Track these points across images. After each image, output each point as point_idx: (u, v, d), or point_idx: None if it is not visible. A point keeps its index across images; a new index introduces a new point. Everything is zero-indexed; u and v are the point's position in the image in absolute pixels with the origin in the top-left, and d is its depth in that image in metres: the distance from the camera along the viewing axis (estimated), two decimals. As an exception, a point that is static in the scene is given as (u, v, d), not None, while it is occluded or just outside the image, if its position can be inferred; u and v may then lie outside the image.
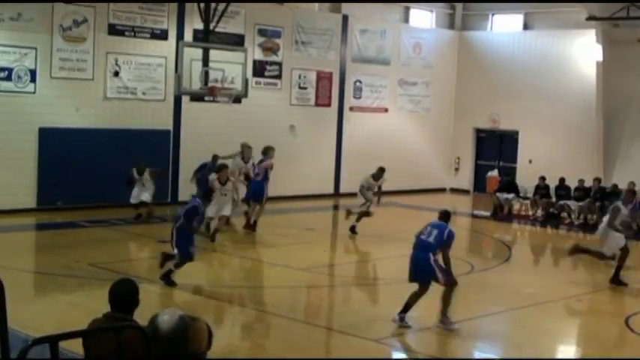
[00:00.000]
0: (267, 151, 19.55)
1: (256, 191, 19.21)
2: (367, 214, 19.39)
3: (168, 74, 22.33)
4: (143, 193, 19.60)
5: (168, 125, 22.93)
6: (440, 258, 11.52)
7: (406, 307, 11.57)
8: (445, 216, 12.03)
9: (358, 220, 19.34)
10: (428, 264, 11.39)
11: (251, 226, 18.88)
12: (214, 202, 16.72)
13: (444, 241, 11.50)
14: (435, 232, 11.55)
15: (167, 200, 22.56)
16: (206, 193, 14.83)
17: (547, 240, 22.60)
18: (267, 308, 12.88)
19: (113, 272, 13.37)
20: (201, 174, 21.43)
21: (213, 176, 17.83)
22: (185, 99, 22.84)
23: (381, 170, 20.03)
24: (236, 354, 10.39)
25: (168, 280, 13.25)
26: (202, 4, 21.72)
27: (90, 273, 13.92)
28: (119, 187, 19.70)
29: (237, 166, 20.09)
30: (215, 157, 21.65)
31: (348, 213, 19.51)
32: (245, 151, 20.26)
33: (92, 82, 21.36)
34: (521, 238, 21.51)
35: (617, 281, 15.24)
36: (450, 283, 11.50)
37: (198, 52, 21.48)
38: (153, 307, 4.51)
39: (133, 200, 19.68)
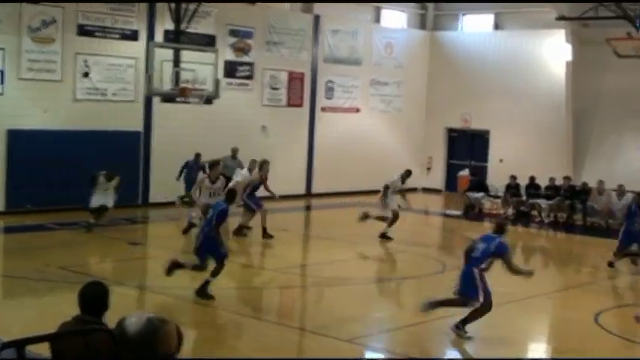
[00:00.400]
0: (263, 166, 19.11)
1: (255, 201, 18.88)
2: (383, 218, 19.32)
3: (138, 75, 22.20)
4: (107, 197, 18.50)
5: (139, 126, 22.79)
6: (484, 274, 11.34)
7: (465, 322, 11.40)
8: (499, 228, 11.79)
9: (385, 220, 19.30)
10: (472, 278, 11.24)
11: (267, 235, 18.36)
12: (199, 203, 16.48)
13: (492, 254, 11.27)
14: (482, 245, 11.37)
15: (138, 202, 22.45)
16: (229, 193, 14.27)
17: (518, 238, 22.69)
18: (239, 309, 12.84)
19: (84, 275, 13.28)
20: (185, 172, 21.36)
21: (201, 175, 17.54)
22: (156, 100, 22.73)
23: (408, 172, 20.15)
24: (208, 356, 10.35)
25: (205, 293, 12.68)
26: (173, 5, 21.63)
27: (60, 276, 13.80)
28: (87, 188, 19.48)
29: (251, 179, 19.01)
30: (198, 155, 21.55)
31: (365, 216, 19.28)
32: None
33: (61, 84, 21.18)
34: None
35: None
36: (487, 306, 11.29)
37: (169, 53, 21.39)
38: (124, 310, 4.48)
39: (92, 205, 18.32)
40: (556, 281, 16.76)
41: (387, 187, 19.63)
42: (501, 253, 11.28)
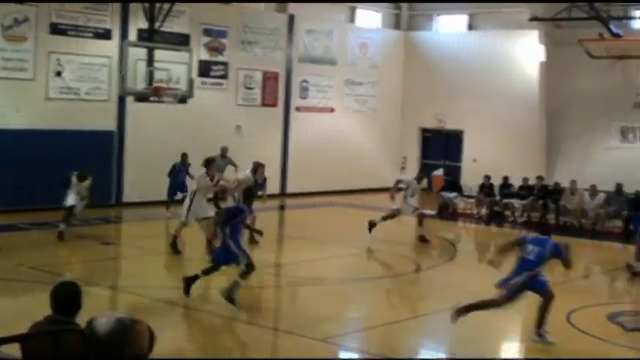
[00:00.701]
0: (258, 169, 18.82)
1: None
2: (393, 216, 19.40)
3: (112, 74, 22.10)
4: (77, 199, 17.80)
5: (112, 126, 22.67)
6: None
7: (540, 322, 11.39)
8: (545, 229, 11.76)
9: (421, 224, 19.58)
10: (535, 280, 11.17)
11: (253, 240, 17.92)
12: (194, 206, 16.01)
13: (550, 256, 11.20)
14: (535, 248, 11.18)
15: (111, 202, 22.33)
16: (247, 193, 13.72)
17: (491, 238, 22.83)
18: (213, 310, 12.80)
19: (56, 275, 13.18)
20: (174, 175, 21.17)
21: (202, 178, 16.41)
22: (129, 99, 22.62)
23: (422, 172, 20.21)
24: (182, 356, 10.31)
25: (233, 298, 12.20)
26: (147, 4, 21.53)
27: (32, 276, 13.69)
28: (61, 188, 19.31)
29: (247, 183, 18.04)
30: (185, 156, 21.41)
31: (372, 225, 19.22)
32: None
33: (34, 82, 21.03)
34: (466, 237, 21.74)
35: None
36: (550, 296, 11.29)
37: (142, 52, 21.30)
38: (97, 310, 4.45)
39: (68, 203, 17.70)
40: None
41: (399, 188, 19.58)
42: (560, 254, 11.24)
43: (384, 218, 19.36)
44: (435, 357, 11.70)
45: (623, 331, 12.31)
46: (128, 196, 22.79)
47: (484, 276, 16.83)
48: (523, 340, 12.77)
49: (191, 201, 16.24)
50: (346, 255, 17.95)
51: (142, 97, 22.33)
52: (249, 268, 12.41)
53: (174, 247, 16.21)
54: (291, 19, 27.06)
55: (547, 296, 11.26)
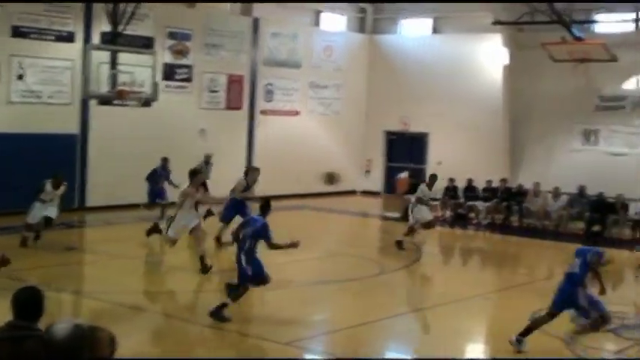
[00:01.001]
0: (248, 174, 18.60)
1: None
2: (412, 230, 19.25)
3: (74, 78, 21.91)
4: (49, 208, 17.17)
5: (75, 129, 22.49)
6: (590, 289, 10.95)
7: (529, 331, 11.13)
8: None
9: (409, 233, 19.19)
10: (574, 297, 10.76)
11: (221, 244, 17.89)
12: (179, 218, 15.32)
13: (590, 267, 10.82)
14: (577, 260, 10.88)
15: (74, 206, 22.13)
16: (264, 205, 13.10)
17: (455, 240, 22.99)
18: (179, 314, 12.74)
19: (18, 281, 13.02)
20: (154, 181, 20.89)
21: (188, 188, 15.63)
22: (93, 103, 22.45)
23: (434, 177, 19.85)
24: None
25: (220, 315, 11.85)
26: (110, 6, 21.40)
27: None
28: (24, 193, 19.03)
29: (240, 187, 18.26)
30: (165, 160, 21.21)
31: (399, 246, 18.97)
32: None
33: (-5, 86, 20.81)
34: (431, 239, 21.77)
35: None
36: (605, 319, 10.88)
37: (106, 55, 21.16)
38: (62, 316, 4.40)
39: (31, 220, 17.03)
40: (493, 282, 16.98)
41: (418, 199, 19.23)
42: (595, 263, 10.90)
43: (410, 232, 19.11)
44: (399, 358, 11.74)
45: (584, 331, 12.42)
46: (91, 200, 22.62)
47: (449, 278, 17.00)
48: (487, 341, 12.86)
49: (174, 217, 15.54)
50: (312, 258, 17.93)
51: (105, 101, 22.18)
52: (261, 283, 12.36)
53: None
54: (256, 22, 27.04)
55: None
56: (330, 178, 18.93)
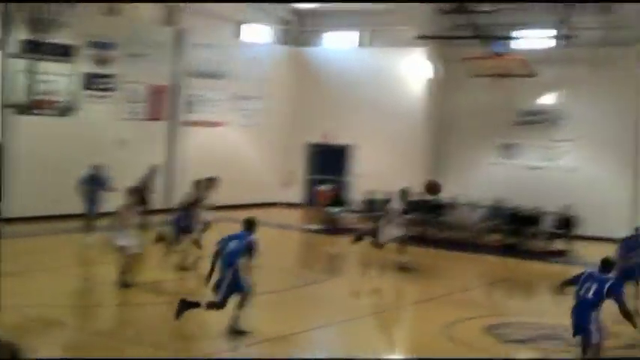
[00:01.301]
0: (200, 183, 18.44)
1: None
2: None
3: (-8, 86, 21.46)
4: None
5: (-8, 139, 22.02)
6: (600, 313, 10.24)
7: None
8: (606, 265, 10.47)
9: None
10: (586, 322, 10.08)
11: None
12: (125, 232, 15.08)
13: (605, 295, 10.06)
14: (594, 286, 10.11)
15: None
16: (252, 222, 12.82)
17: (376, 252, 23.12)
18: (93, 329, 12.58)
19: None
20: (90, 188, 20.27)
21: (122, 207, 15.33)
22: (10, 112, 21.98)
23: (405, 193, 19.62)
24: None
25: (238, 330, 11.93)
26: (30, 14, 21.03)
27: None
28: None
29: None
30: (97, 167, 20.62)
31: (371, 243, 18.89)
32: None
33: None
34: (351, 251, 21.92)
35: None
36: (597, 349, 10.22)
37: (25, 64, 20.78)
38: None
39: None
40: (411, 294, 17.17)
41: (375, 215, 19.11)
42: (616, 294, 10.15)
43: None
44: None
45: (499, 342, 12.69)
46: (10, 210, 22.15)
47: (369, 290, 17.15)
48: (399, 352, 13.01)
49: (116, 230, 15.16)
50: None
51: (23, 110, 21.75)
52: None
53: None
54: (180, 32, 26.89)
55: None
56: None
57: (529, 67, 25.20)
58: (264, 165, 29.78)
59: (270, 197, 29.35)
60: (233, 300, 12.05)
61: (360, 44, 30.61)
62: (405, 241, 19.13)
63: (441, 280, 19.16)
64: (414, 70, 28.61)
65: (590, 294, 10.07)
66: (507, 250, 22.34)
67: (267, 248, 19.79)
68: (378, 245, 19.13)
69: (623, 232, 20.44)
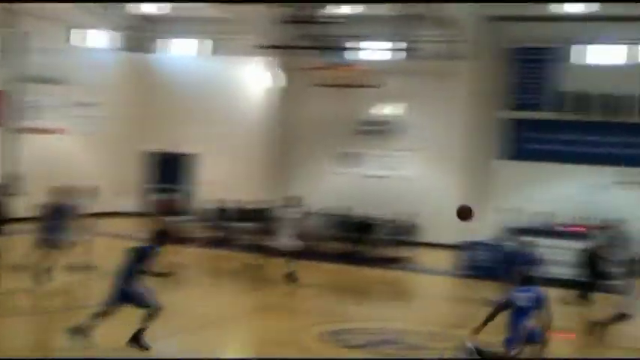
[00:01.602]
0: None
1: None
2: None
3: None
4: None
5: None
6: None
7: None
8: (526, 280, 10.99)
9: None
10: (518, 330, 10.47)
11: None
12: None
13: (536, 305, 10.58)
14: (524, 295, 10.63)
15: None
16: (162, 232, 13.01)
17: (216, 261, 22.95)
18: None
19: None
20: None
21: None
22: None
23: (298, 199, 19.72)
24: None
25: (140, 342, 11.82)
26: None
27: None
28: None
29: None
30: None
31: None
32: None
33: None
34: (192, 261, 21.67)
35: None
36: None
37: None
38: None
39: None
40: (249, 302, 17.13)
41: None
42: (543, 305, 10.65)
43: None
44: None
45: (339, 347, 12.82)
46: None
47: (210, 300, 17.00)
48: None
49: None
50: (61, 284, 17.17)
51: None
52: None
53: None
54: (20, 36, 25.90)
55: None
56: None
57: (371, 78, 25.74)
58: (99, 173, 29.02)
59: (105, 207, 28.55)
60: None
61: (201, 52, 30.45)
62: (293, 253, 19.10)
63: (279, 288, 19.17)
64: (254, 79, 28.70)
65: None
66: (346, 258, 22.65)
67: (98, 260, 19.27)
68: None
69: (458, 238, 21.26)
